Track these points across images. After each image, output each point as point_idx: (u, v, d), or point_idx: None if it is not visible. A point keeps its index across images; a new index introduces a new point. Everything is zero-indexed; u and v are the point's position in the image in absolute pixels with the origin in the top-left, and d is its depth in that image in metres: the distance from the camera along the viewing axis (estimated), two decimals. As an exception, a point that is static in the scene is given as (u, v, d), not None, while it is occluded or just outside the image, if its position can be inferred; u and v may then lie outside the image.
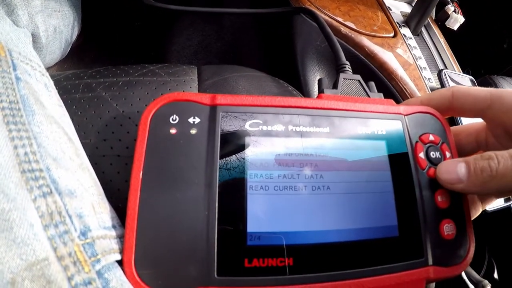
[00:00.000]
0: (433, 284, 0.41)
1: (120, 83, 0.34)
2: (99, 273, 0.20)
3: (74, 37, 0.53)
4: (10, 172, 0.19)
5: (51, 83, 0.27)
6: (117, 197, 0.28)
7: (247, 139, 0.26)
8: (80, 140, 0.27)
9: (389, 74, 0.45)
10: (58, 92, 0.28)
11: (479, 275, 0.48)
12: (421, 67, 0.50)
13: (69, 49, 0.52)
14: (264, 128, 0.26)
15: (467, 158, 0.27)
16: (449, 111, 0.31)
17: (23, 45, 0.27)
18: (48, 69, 0.32)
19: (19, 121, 0.21)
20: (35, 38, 0.37)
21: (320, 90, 0.31)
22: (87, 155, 0.27)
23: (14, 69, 0.24)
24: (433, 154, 0.29)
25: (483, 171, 0.25)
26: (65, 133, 0.25)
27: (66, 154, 0.23)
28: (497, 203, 0.47)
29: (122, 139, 0.30)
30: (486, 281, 0.46)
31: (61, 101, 0.28)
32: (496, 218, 0.53)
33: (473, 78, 0.55)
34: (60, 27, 0.44)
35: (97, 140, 0.30)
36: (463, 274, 0.47)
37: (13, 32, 0.27)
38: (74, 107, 0.32)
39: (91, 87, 0.34)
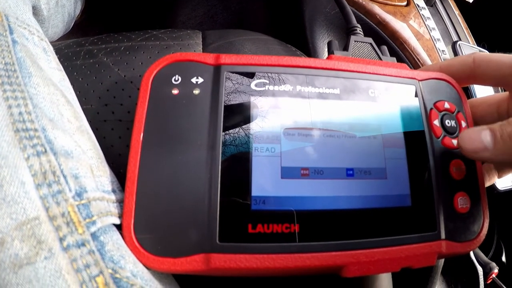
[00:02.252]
0: (441, 262, 0.40)
1: (122, 48, 0.33)
2: (94, 236, 0.20)
3: (78, 11, 0.52)
4: (3, 131, 0.19)
5: (50, 48, 0.27)
6: (118, 163, 0.27)
7: (253, 100, 0.25)
8: (81, 106, 0.27)
9: (402, 43, 0.43)
10: (59, 60, 0.27)
11: (486, 257, 0.47)
12: (435, 38, 0.48)
13: (72, 24, 0.51)
14: (271, 88, 0.25)
15: (491, 126, 0.25)
16: (470, 79, 0.30)
17: (21, 12, 0.26)
18: (51, 42, 0.32)
19: (14, 82, 0.21)
20: (36, 10, 0.36)
21: (330, 52, 0.30)
22: (88, 120, 0.26)
23: (11, 33, 0.23)
24: (448, 123, 0.28)
25: (511, 137, 0.24)
26: (64, 95, 0.24)
27: (64, 116, 0.23)
28: (509, 183, 0.45)
29: (124, 103, 0.29)
30: (493, 264, 0.45)
31: (60, 65, 0.27)
32: (507, 199, 0.51)
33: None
34: (63, 1, 0.43)
35: (98, 105, 0.29)
36: (472, 254, 0.46)
37: None
38: (75, 73, 0.31)
39: (92, 53, 0.33)
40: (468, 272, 0.46)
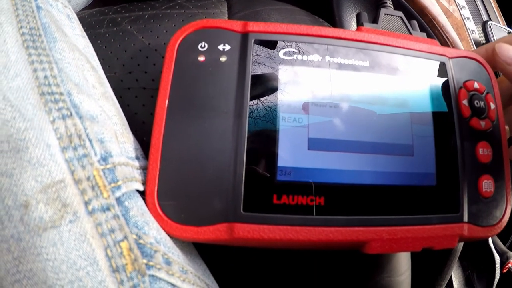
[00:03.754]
0: (460, 246, 0.40)
1: (146, 16, 0.32)
2: (119, 200, 0.20)
3: (99, -17, 0.51)
4: (29, 94, 0.19)
5: (74, 15, 0.27)
6: (141, 131, 0.27)
7: (281, 68, 0.24)
8: (105, 74, 0.26)
9: (431, 20, 0.42)
10: (83, 28, 0.27)
11: (504, 245, 0.46)
12: (464, 17, 0.46)
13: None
14: (299, 57, 0.25)
15: None
16: None
17: None
18: None
19: (39, 46, 0.21)
20: None
21: (359, 24, 0.29)
22: (111, 88, 0.26)
23: None
24: (477, 103, 0.27)
25: None
26: (88, 61, 0.24)
27: (89, 82, 0.23)
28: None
29: (148, 71, 0.29)
30: (511, 253, 0.44)
31: (84, 33, 0.27)
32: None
33: (519, 34, 0.52)
34: None
35: (122, 73, 0.29)
36: (490, 241, 0.45)
37: None
38: (99, 41, 0.31)
39: (116, 21, 0.32)
40: (485, 260, 0.46)
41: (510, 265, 0.45)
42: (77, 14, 0.33)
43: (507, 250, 0.45)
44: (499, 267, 0.45)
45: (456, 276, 0.48)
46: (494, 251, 0.45)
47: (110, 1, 0.68)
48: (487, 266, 0.46)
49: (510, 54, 0.25)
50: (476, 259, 0.48)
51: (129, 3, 0.35)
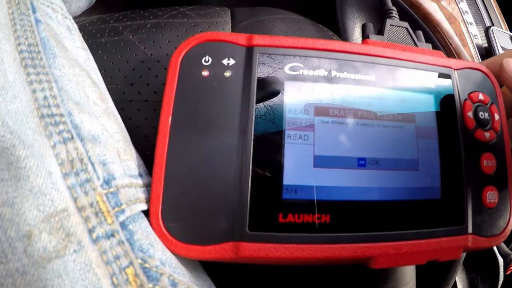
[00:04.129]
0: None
1: (148, 25, 0.32)
2: (123, 225, 0.19)
3: (101, -15, 0.51)
4: (28, 117, 0.18)
5: (74, 26, 0.26)
6: (144, 144, 0.27)
7: (286, 84, 0.24)
8: (106, 85, 0.26)
9: (434, 26, 0.41)
10: (83, 37, 0.27)
11: (507, 247, 0.46)
12: (467, 22, 0.46)
13: (95, -1, 0.50)
14: (305, 72, 0.24)
15: None
16: None
17: None
18: (74, 18, 0.31)
19: (38, 64, 0.20)
20: None
21: (365, 36, 0.28)
22: (113, 100, 0.25)
23: (34, 12, 0.22)
24: (481, 115, 0.27)
25: None
26: (89, 76, 0.23)
27: (90, 99, 0.22)
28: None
29: (150, 83, 0.28)
30: (514, 255, 0.44)
31: (85, 44, 0.26)
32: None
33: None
34: None
35: (124, 84, 0.29)
36: (494, 243, 0.45)
37: None
38: (100, 51, 0.30)
39: (117, 30, 0.32)
40: (488, 262, 0.46)
41: (514, 266, 0.45)
42: (78, 22, 0.32)
43: (510, 252, 0.45)
44: (503, 269, 0.45)
45: (460, 280, 0.48)
46: (498, 254, 0.45)
47: (112, 3, 0.68)
48: (491, 269, 0.46)
49: None
50: (479, 262, 0.48)
51: (131, 11, 0.35)
